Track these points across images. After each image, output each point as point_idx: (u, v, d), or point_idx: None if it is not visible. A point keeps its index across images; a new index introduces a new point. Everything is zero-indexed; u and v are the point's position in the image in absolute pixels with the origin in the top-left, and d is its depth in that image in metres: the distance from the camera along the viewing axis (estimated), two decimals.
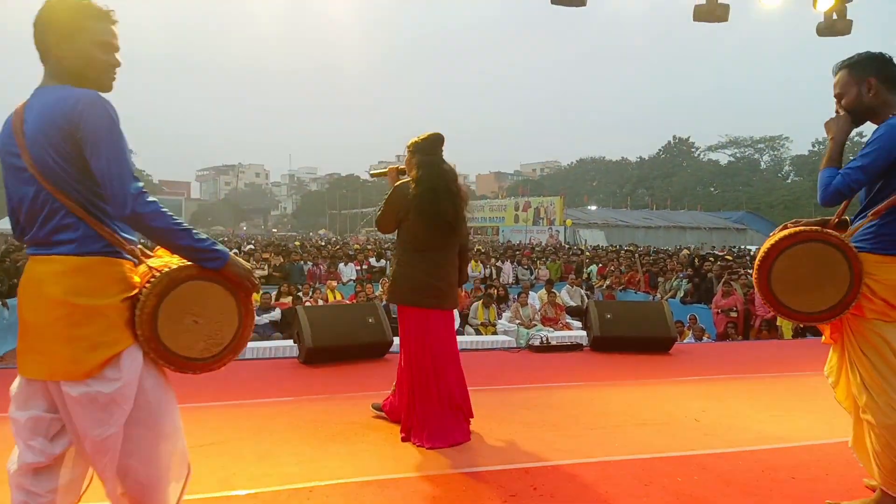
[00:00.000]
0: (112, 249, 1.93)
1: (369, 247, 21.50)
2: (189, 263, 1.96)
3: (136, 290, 1.93)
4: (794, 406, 4.67)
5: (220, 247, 1.98)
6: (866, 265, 2.56)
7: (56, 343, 1.85)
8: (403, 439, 3.69)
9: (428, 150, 3.74)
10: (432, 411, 3.66)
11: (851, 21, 8.85)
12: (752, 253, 22.70)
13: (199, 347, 2.00)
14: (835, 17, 8.64)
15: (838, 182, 2.52)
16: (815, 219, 2.77)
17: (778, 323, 9.84)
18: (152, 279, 1.92)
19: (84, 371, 1.84)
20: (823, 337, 2.84)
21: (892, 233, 2.53)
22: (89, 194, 1.90)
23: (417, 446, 3.59)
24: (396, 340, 7.01)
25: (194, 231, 1.95)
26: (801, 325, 2.80)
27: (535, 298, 11.71)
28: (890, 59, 2.64)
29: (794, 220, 2.81)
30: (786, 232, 2.69)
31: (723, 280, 11.31)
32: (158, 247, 2.05)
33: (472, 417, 3.86)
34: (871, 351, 2.53)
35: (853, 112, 2.64)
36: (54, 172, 1.86)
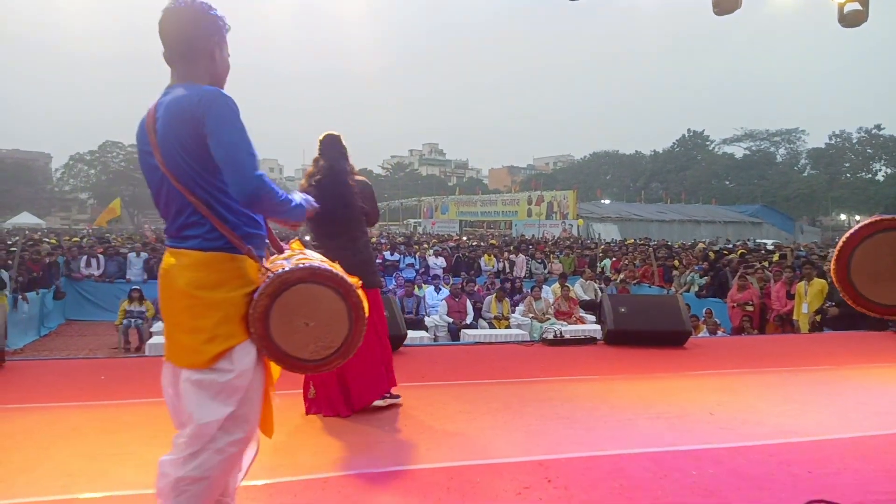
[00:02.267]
0: (231, 246, 1.98)
1: (383, 241, 21.55)
2: (302, 266, 2.03)
3: (255, 286, 2.00)
4: (810, 400, 4.64)
5: (297, 201, 2.09)
6: None
7: (181, 332, 1.97)
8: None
9: (320, 149, 4.09)
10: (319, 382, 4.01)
11: (865, 10, 8.71)
12: (767, 247, 22.49)
13: (309, 349, 2.04)
14: (847, 7, 8.52)
15: None
16: None
17: (794, 317, 9.76)
18: (266, 279, 1.98)
19: (201, 361, 1.93)
20: None
21: None
22: (214, 191, 1.96)
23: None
24: (410, 333, 7.05)
25: (293, 201, 2.07)
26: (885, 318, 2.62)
27: (549, 292, 11.70)
28: None
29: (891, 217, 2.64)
30: (867, 220, 2.58)
31: (738, 274, 11.22)
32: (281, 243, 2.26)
33: (357, 408, 4.01)
34: None
35: None
36: (182, 170, 1.92)
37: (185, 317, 1.95)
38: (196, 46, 2.03)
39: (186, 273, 1.95)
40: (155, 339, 7.91)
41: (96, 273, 13.97)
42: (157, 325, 9.31)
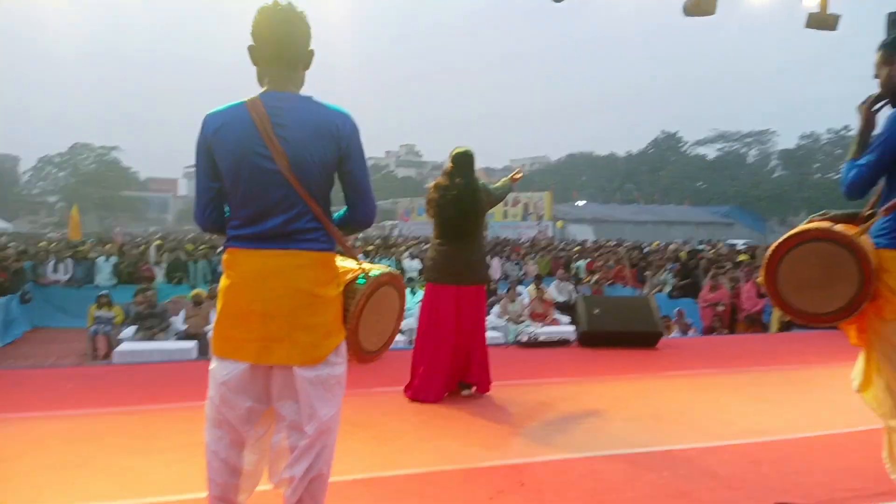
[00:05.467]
0: (335, 247, 2.13)
1: (358, 243, 21.45)
2: (386, 271, 2.23)
3: (343, 285, 2.14)
4: (779, 399, 4.71)
5: None
6: (885, 262, 2.45)
7: (297, 329, 1.99)
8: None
9: (454, 164, 4.61)
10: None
11: (839, 16, 8.92)
12: (739, 247, 22.82)
13: (373, 341, 2.26)
14: (822, 10, 8.69)
15: (853, 176, 2.47)
16: (845, 211, 2.67)
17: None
18: (363, 278, 2.15)
19: (319, 356, 2.02)
20: (851, 339, 2.71)
21: None
22: (327, 200, 2.09)
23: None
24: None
25: None
26: (813, 326, 2.65)
27: (526, 294, 11.72)
28: None
29: (822, 213, 2.71)
30: (794, 231, 2.61)
31: (710, 274, 11.38)
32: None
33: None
34: (894, 353, 2.43)
35: (888, 93, 2.54)
36: (312, 180, 2.00)
37: (304, 314, 2.00)
38: (300, 53, 2.08)
39: (306, 272, 2.02)
40: (124, 346, 7.77)
41: (63, 278, 13.68)
42: (126, 332, 9.13)
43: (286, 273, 2.00)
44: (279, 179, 1.97)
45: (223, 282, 2.07)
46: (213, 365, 2.09)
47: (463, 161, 4.60)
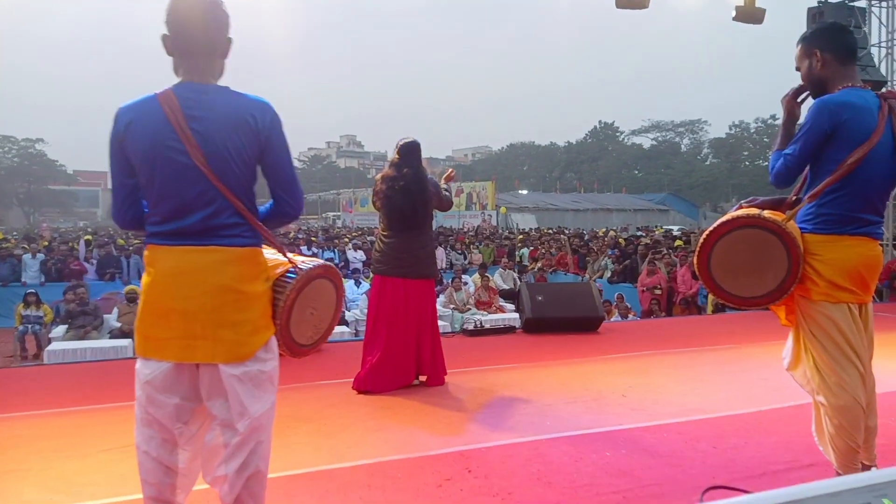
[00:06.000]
0: (261, 242, 2.08)
1: (300, 235, 21.12)
2: (318, 264, 2.20)
3: (273, 279, 2.10)
4: (714, 379, 4.89)
5: None
6: (811, 246, 2.56)
7: (221, 327, 1.94)
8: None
9: (401, 155, 4.56)
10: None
11: (765, 10, 9.30)
12: (674, 232, 23.51)
13: (308, 335, 2.22)
14: (749, 4, 9.03)
15: (780, 166, 2.56)
16: (773, 197, 2.77)
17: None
18: (293, 272, 2.11)
19: (246, 353, 1.98)
20: (781, 319, 2.82)
21: (831, 212, 2.54)
22: (249, 195, 2.03)
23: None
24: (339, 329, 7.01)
25: None
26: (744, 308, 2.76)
27: (471, 283, 11.79)
28: (841, 29, 2.63)
29: (749, 199, 2.81)
30: (725, 217, 2.70)
31: (647, 259, 11.70)
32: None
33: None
34: (820, 332, 2.55)
35: (809, 85, 2.64)
36: (230, 173, 1.94)
37: (228, 311, 1.95)
38: (216, 41, 2.02)
39: (230, 268, 1.97)
40: (55, 346, 7.45)
41: None
42: (57, 331, 8.75)
43: (208, 270, 1.95)
44: (195, 175, 1.91)
45: (144, 279, 2.02)
46: (138, 364, 2.03)
47: (410, 152, 4.57)
